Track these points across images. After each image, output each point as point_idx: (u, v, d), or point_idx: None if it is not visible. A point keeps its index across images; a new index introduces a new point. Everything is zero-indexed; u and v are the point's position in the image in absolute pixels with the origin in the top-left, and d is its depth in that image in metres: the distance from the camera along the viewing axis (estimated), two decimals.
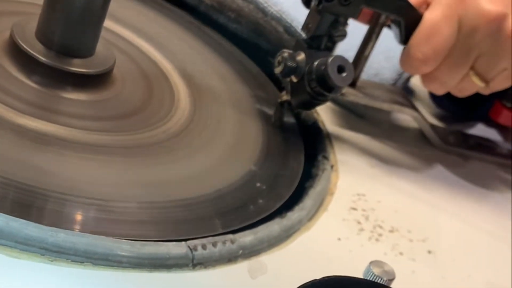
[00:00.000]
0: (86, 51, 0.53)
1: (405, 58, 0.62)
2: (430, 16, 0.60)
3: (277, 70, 0.59)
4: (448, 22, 0.60)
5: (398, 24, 0.62)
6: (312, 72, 0.57)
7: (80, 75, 0.52)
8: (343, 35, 0.59)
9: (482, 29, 0.60)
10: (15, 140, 0.47)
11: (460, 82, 0.63)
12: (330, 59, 0.56)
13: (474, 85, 0.64)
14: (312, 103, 0.59)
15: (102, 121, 0.52)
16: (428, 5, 0.62)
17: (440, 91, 0.65)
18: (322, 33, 0.59)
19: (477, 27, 0.60)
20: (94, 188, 0.46)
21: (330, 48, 0.60)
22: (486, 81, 0.63)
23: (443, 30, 0.60)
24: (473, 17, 0.60)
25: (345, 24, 0.59)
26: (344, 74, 0.56)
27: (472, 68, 0.62)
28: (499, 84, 0.64)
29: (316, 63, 0.57)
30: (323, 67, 0.56)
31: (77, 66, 0.52)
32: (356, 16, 0.59)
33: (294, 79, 0.59)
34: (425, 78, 0.64)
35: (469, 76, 0.63)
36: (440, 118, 0.77)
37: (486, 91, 0.65)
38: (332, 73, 0.56)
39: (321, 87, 0.57)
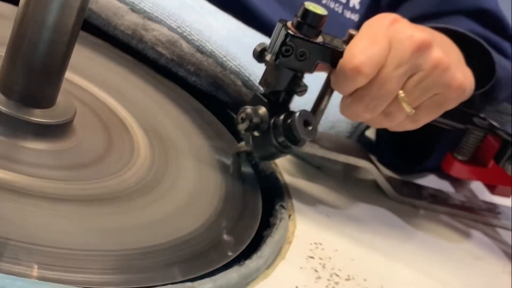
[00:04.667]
0: (47, 102, 0.54)
1: (338, 71, 0.60)
2: (362, 35, 0.61)
3: (242, 126, 0.59)
4: (381, 39, 0.60)
5: None
6: (278, 126, 0.58)
7: (41, 125, 0.52)
8: (305, 90, 0.61)
9: (410, 50, 0.60)
10: None
11: (389, 106, 0.62)
12: (296, 114, 0.58)
13: (401, 111, 0.62)
14: (276, 155, 0.60)
15: (62, 170, 0.52)
16: None
17: (367, 113, 0.62)
18: (282, 88, 0.60)
19: (406, 48, 0.60)
20: (52, 236, 0.46)
21: (287, 101, 0.61)
22: (413, 106, 0.62)
23: (377, 44, 0.60)
24: (403, 39, 0.61)
25: (302, 78, 0.61)
26: (309, 128, 0.58)
27: (402, 88, 0.61)
28: (424, 114, 0.63)
29: (281, 117, 0.58)
30: (289, 121, 0.58)
31: (38, 116, 0.52)
32: (311, 71, 0.61)
33: (257, 134, 0.60)
34: (355, 97, 0.61)
35: (398, 99, 0.62)
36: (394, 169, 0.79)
37: (412, 125, 0.64)
38: (300, 127, 0.58)
39: (288, 140, 0.58)
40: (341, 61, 0.60)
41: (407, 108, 0.62)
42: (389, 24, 0.62)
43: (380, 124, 0.64)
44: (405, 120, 0.63)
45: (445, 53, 0.62)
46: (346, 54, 0.60)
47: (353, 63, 0.59)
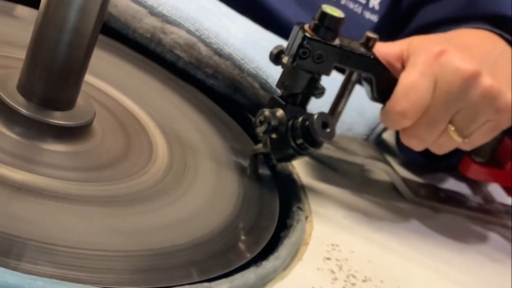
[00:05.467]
0: (67, 104, 0.54)
1: (385, 113, 0.63)
2: (407, 75, 0.62)
3: (260, 129, 0.60)
4: (425, 79, 0.62)
5: (369, 81, 0.64)
6: (296, 128, 0.59)
7: (60, 127, 0.53)
8: (322, 92, 0.61)
9: (457, 85, 0.62)
10: None
11: (439, 138, 0.64)
12: (315, 116, 0.58)
13: (452, 141, 0.65)
14: (294, 156, 0.61)
15: (81, 171, 0.53)
16: (402, 61, 0.65)
17: (418, 147, 0.65)
18: (299, 91, 0.60)
19: (452, 84, 0.62)
20: (72, 236, 0.47)
21: (305, 103, 0.62)
22: (464, 137, 0.64)
23: (420, 86, 0.62)
24: (449, 74, 0.62)
25: (319, 80, 0.61)
26: (328, 130, 0.59)
27: (450, 123, 0.64)
28: (478, 139, 0.65)
29: (300, 119, 0.59)
30: (307, 123, 0.58)
31: (58, 119, 0.53)
32: (328, 74, 0.61)
33: (274, 136, 0.60)
34: (404, 134, 0.65)
35: (448, 132, 0.64)
36: (411, 171, 0.78)
37: (467, 147, 0.66)
38: (318, 129, 0.58)
39: (307, 142, 0.59)
40: (386, 105, 0.63)
41: (457, 138, 0.64)
42: (435, 57, 0.62)
43: (433, 151, 0.66)
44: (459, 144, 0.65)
45: (495, 77, 0.63)
46: (391, 99, 0.62)
47: (396, 110, 0.62)
